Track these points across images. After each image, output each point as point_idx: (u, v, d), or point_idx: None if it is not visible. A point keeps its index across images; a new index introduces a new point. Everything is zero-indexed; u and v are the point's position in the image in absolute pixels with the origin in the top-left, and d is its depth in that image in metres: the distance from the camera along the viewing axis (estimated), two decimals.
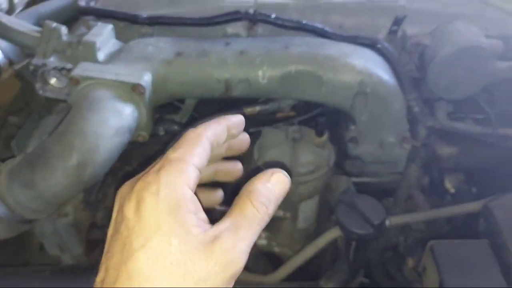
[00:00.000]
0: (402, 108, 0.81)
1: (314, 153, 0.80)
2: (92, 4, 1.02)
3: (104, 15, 0.93)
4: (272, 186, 0.32)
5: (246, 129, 0.99)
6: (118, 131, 0.70)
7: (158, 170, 0.30)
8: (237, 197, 0.32)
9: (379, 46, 0.83)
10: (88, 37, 0.78)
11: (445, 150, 0.92)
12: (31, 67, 0.76)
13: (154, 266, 0.27)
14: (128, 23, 0.92)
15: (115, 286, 0.28)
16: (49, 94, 0.79)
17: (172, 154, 0.32)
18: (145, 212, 0.29)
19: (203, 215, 0.31)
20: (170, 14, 0.92)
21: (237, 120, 0.37)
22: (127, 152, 0.93)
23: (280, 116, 0.95)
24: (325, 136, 0.80)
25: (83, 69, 0.74)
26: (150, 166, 0.33)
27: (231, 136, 0.37)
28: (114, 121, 0.70)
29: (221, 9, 0.90)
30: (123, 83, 0.73)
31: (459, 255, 0.70)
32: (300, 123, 0.92)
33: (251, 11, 0.86)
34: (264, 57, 0.79)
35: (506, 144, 0.90)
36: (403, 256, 0.90)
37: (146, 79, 0.74)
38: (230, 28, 0.90)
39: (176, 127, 0.89)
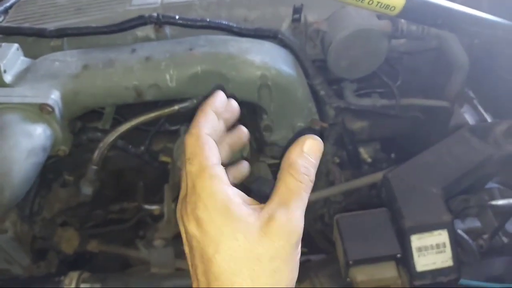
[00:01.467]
0: (306, 93, 0.87)
1: None
2: (0, 19, 1.01)
3: (12, 33, 0.92)
4: (307, 154, 0.35)
5: (167, 128, 1.02)
6: (30, 153, 0.73)
7: (194, 187, 0.35)
8: (279, 173, 0.36)
9: (279, 36, 0.88)
10: None
11: (357, 125, 1.00)
12: None
13: (231, 262, 0.32)
14: (36, 38, 0.92)
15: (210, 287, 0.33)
16: None
17: (192, 167, 0.35)
18: (206, 226, 0.33)
19: (250, 200, 0.35)
20: (78, 24, 0.92)
21: (218, 98, 0.40)
22: (58, 164, 0.96)
23: None
24: None
25: None
26: (184, 185, 0.37)
27: (220, 115, 0.40)
28: (25, 143, 0.73)
29: (128, 14, 0.92)
30: (30, 104, 0.75)
31: (360, 225, 0.78)
32: None
33: (155, 14, 0.88)
34: (169, 61, 0.82)
35: (410, 113, 0.97)
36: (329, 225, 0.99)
37: (53, 97, 0.77)
38: (140, 32, 0.92)
39: (99, 134, 0.92)
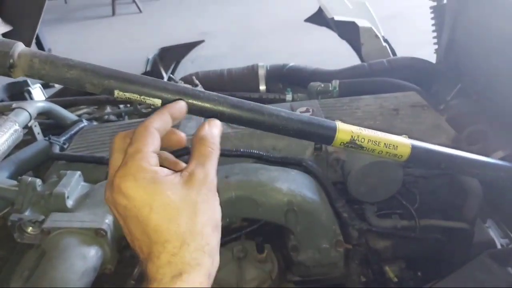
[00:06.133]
0: (330, 217, 0.95)
1: (258, 269, 0.91)
2: (65, 146, 1.19)
3: (74, 160, 1.09)
4: (211, 130, 0.47)
5: None
6: (84, 274, 0.82)
7: (126, 164, 0.41)
8: (193, 145, 0.46)
9: (304, 164, 0.99)
10: (58, 189, 0.92)
11: (380, 244, 1.04)
12: (9, 223, 0.89)
13: (166, 214, 0.40)
14: (95, 164, 1.07)
15: (152, 245, 0.39)
16: (26, 241, 0.92)
17: (131, 149, 0.43)
18: (135, 193, 0.40)
19: (173, 171, 0.44)
20: None
21: (178, 106, 0.48)
22: (99, 279, 1.04)
23: (235, 227, 1.07)
24: (266, 252, 0.92)
25: (53, 221, 0.87)
26: (112, 171, 0.44)
27: (175, 120, 0.48)
28: (80, 265, 0.82)
29: None
30: (87, 229, 0.86)
31: None
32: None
33: None
34: None
35: (430, 235, 1.02)
36: None
37: (107, 222, 0.88)
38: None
39: None
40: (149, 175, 0.41)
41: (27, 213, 0.91)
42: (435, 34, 1.60)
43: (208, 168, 0.44)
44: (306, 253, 0.96)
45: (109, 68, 0.60)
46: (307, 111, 1.15)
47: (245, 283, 0.89)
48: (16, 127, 1.13)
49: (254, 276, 0.90)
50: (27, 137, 1.26)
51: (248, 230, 1.04)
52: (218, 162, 1.04)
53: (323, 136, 0.65)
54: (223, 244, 1.01)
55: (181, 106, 0.49)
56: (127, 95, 0.59)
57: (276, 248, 1.02)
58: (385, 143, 0.68)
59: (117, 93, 0.59)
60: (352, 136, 0.66)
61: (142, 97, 0.58)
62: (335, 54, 2.82)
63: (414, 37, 3.49)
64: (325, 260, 0.97)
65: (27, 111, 1.20)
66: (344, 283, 1.04)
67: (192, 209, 0.41)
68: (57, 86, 2.14)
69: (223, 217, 0.97)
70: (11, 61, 0.55)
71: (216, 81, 1.63)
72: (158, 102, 0.59)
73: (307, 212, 0.92)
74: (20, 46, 0.57)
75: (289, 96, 1.43)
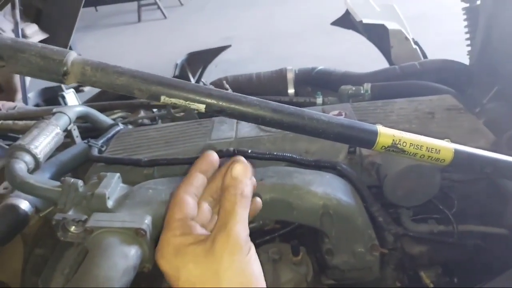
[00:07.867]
0: (366, 221, 0.94)
1: (293, 271, 0.92)
2: (103, 148, 1.23)
3: (112, 162, 1.12)
4: (234, 175, 0.45)
5: None
6: (125, 272, 0.84)
7: (160, 237, 0.45)
8: (221, 195, 0.45)
9: (338, 168, 0.99)
10: (100, 190, 0.96)
11: (416, 249, 1.03)
12: (53, 222, 0.93)
13: (192, 284, 0.41)
14: (133, 166, 1.11)
15: None
16: (69, 239, 0.96)
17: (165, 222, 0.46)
18: (164, 267, 0.44)
19: (200, 235, 0.44)
20: (166, 155, 1.11)
21: (208, 160, 0.49)
22: (136, 277, 1.07)
23: (268, 229, 1.08)
24: (301, 255, 0.93)
25: (95, 220, 0.90)
26: None
27: (209, 172, 0.49)
28: (122, 263, 0.84)
29: (209, 146, 1.10)
30: (128, 229, 0.89)
31: None
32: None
33: (231, 149, 1.04)
34: None
35: (470, 241, 1.00)
36: None
37: (146, 222, 0.90)
38: None
39: None
40: (171, 249, 0.44)
41: (70, 212, 0.94)
42: (462, 35, 1.57)
43: (230, 228, 0.43)
44: (341, 256, 0.96)
45: (156, 75, 0.62)
46: (339, 114, 1.15)
47: (280, 285, 0.90)
48: (58, 130, 1.18)
49: (290, 278, 0.91)
50: (66, 140, 1.31)
51: (281, 232, 1.05)
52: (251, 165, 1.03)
53: (364, 140, 0.65)
54: (258, 245, 1.02)
55: (211, 159, 0.50)
56: (173, 100, 0.61)
57: (310, 251, 1.02)
58: (427, 147, 0.67)
59: (163, 98, 0.61)
60: (393, 139, 0.66)
61: (187, 102, 0.60)
62: (360, 56, 2.80)
63: (440, 37, 3.43)
64: (360, 264, 0.96)
65: (67, 115, 1.24)
66: None
67: (216, 279, 0.42)
68: (86, 90, 2.20)
69: (257, 219, 0.99)
70: (65, 68, 0.58)
71: (246, 85, 1.65)
72: (202, 107, 0.61)
73: (343, 215, 0.92)
74: (73, 55, 0.60)
75: (319, 100, 1.43)
